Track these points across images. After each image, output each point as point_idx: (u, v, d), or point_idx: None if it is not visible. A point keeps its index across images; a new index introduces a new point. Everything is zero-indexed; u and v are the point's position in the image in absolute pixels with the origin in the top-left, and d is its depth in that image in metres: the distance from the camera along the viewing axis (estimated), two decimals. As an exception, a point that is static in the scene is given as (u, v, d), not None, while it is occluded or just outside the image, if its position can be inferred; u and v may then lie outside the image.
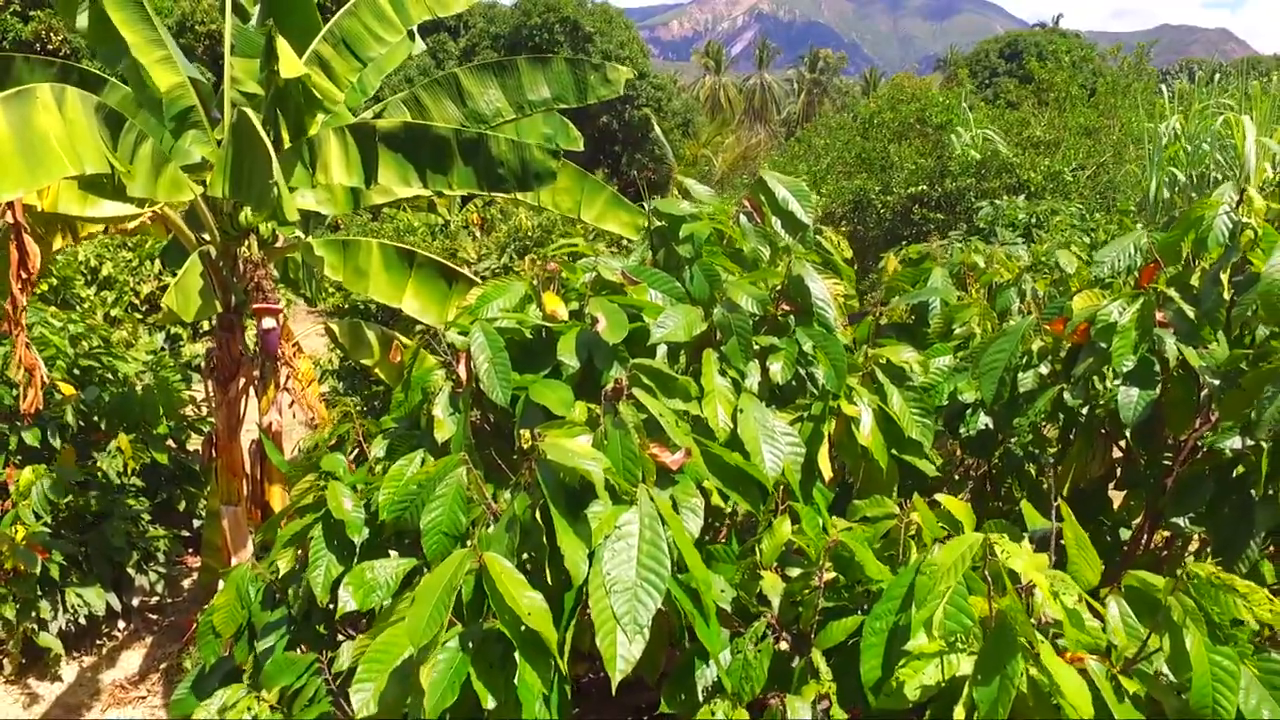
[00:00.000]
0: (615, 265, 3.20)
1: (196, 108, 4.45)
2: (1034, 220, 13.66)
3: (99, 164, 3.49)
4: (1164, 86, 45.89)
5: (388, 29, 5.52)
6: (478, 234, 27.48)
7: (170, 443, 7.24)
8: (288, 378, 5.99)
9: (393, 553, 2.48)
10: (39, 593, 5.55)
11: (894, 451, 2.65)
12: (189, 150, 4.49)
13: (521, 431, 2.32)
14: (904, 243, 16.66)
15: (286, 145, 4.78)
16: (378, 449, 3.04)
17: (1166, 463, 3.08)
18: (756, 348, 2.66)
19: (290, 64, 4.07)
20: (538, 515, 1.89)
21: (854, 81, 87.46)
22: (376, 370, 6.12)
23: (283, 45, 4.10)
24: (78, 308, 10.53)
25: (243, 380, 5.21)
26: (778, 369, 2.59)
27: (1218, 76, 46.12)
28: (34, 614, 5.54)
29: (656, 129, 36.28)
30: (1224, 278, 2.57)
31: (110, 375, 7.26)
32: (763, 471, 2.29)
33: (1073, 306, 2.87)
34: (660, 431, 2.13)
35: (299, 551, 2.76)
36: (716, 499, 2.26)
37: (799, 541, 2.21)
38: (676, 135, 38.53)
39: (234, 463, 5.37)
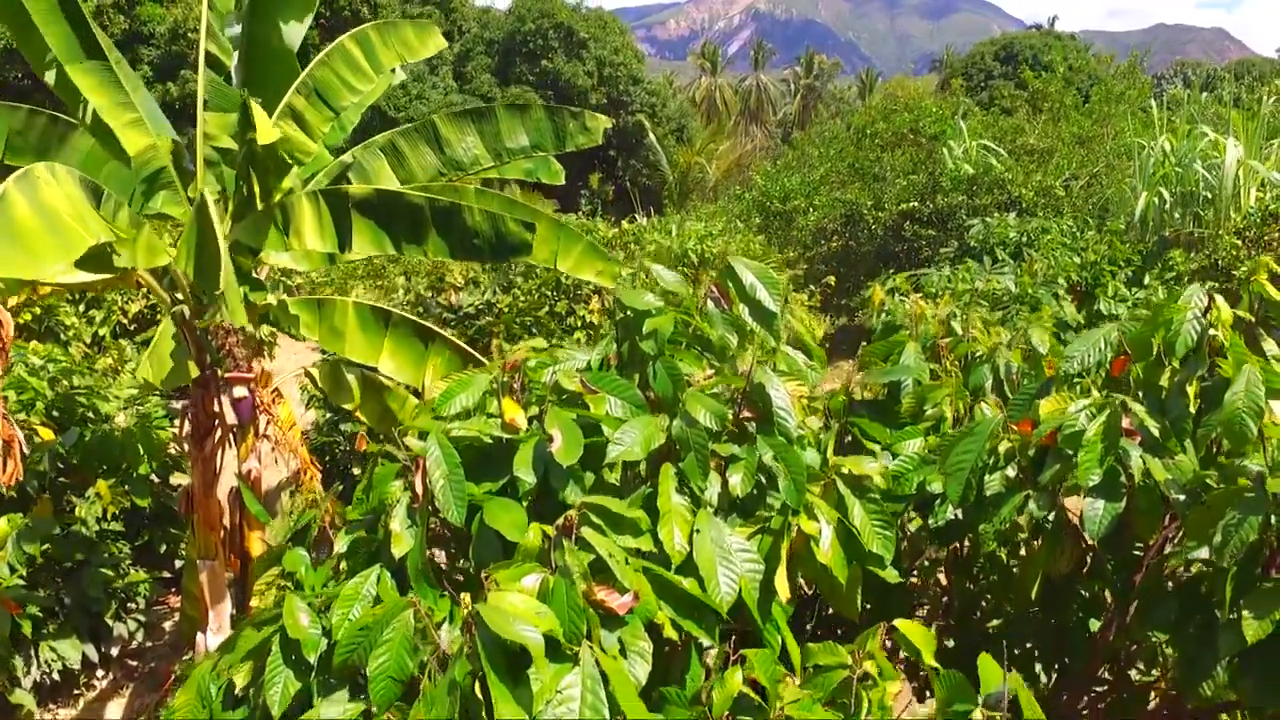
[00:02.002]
0: (580, 358, 3.17)
1: (167, 169, 4.41)
2: (1025, 239, 13.65)
3: (105, 234, 3.49)
4: (1159, 91, 46.04)
5: (360, 78, 5.48)
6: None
7: (154, 477, 7.19)
8: (267, 424, 5.95)
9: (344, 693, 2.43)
10: (11, 649, 5.49)
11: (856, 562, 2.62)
12: (161, 212, 4.45)
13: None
14: (896, 257, 16.66)
15: (259, 206, 4.74)
16: (340, 544, 3.01)
17: (1137, 553, 3.07)
18: (717, 456, 2.63)
19: (266, 130, 4.04)
20: (477, 686, 1.86)
21: (850, 82, 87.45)
22: (357, 413, 6.08)
23: (258, 111, 4.06)
24: (62, 335, 10.44)
25: (219, 434, 5.17)
26: (737, 481, 2.56)
27: (1211, 82, 46.22)
28: (6, 670, 5.49)
29: (651, 136, 36.23)
30: (1190, 391, 2.54)
31: (92, 414, 7.21)
32: (716, 600, 2.26)
33: (1040, 408, 2.84)
34: (610, 571, 2.10)
35: (256, 663, 2.72)
36: (669, 631, 2.23)
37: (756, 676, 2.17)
38: (671, 141, 38.49)
39: (210, 517, 5.33)
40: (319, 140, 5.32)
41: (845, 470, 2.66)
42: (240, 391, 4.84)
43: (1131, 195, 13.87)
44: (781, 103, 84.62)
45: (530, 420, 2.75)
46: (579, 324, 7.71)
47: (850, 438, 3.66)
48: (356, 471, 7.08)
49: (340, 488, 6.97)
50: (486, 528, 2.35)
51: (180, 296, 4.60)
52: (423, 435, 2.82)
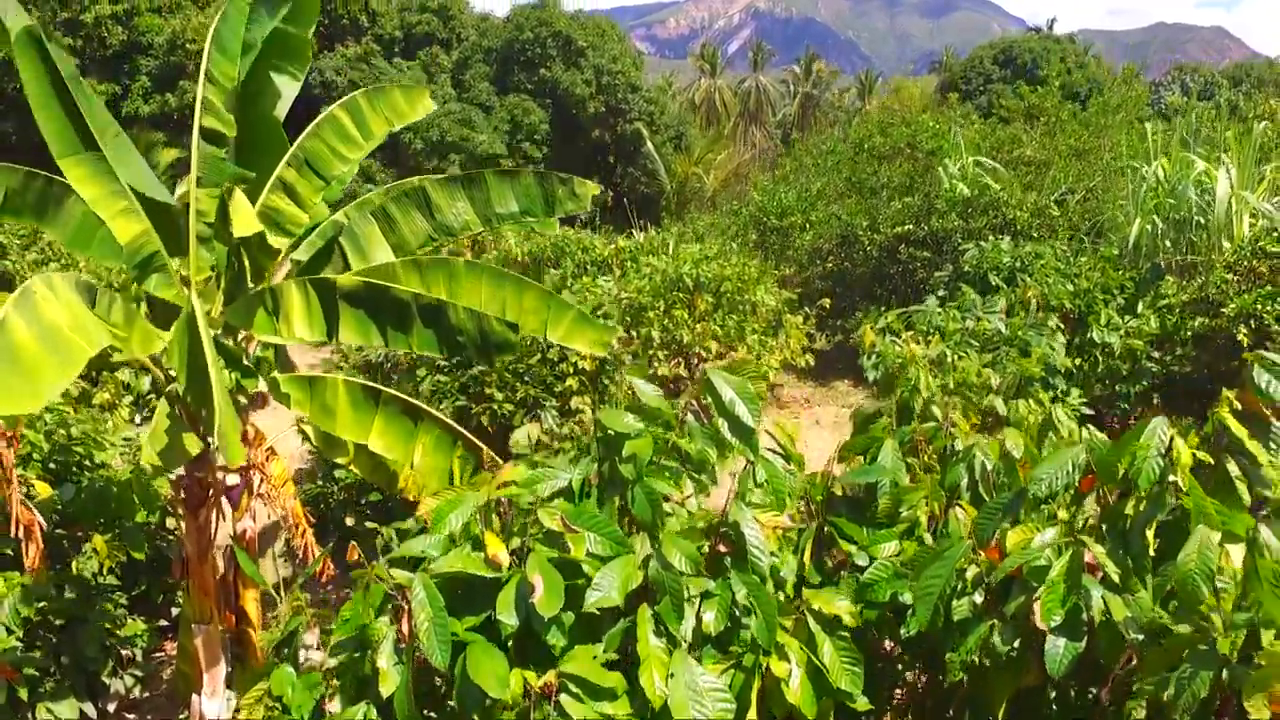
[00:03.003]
0: (563, 476, 3.24)
1: (160, 253, 4.48)
2: (1019, 264, 13.69)
3: (105, 339, 3.57)
4: (1157, 99, 45.91)
5: (351, 147, 5.56)
6: (468, 255, 27.48)
7: (151, 520, 7.25)
8: (261, 482, 6.03)
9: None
10: (10, 713, 5.57)
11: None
12: (152, 294, 4.53)
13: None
14: (891, 278, 16.72)
15: (250, 284, 4.81)
16: (329, 660, 3.09)
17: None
18: (691, 592, 2.70)
19: (244, 223, 4.10)
20: None
21: (849, 83, 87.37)
22: (351, 466, 6.16)
23: (236, 204, 4.13)
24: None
25: (212, 502, 5.25)
26: (711, 619, 2.63)
27: (1209, 89, 46.09)
28: (3, 732, 5.56)
29: (649, 145, 36.27)
30: (1149, 534, 2.61)
31: (89, 461, 7.29)
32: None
33: (1007, 538, 2.91)
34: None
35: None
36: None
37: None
38: (669, 149, 38.52)
39: (205, 583, 5.41)
40: (310, 210, 5.40)
41: (816, 607, 2.73)
42: (233, 479, 4.92)
43: (1125, 220, 13.93)
44: (781, 104, 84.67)
45: (513, 552, 2.83)
46: (571, 370, 7.79)
47: (828, 535, 3.74)
48: (350, 521, 7.15)
49: (332, 547, 7.05)
50: (469, 680, 2.43)
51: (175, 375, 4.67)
52: (411, 563, 2.90)
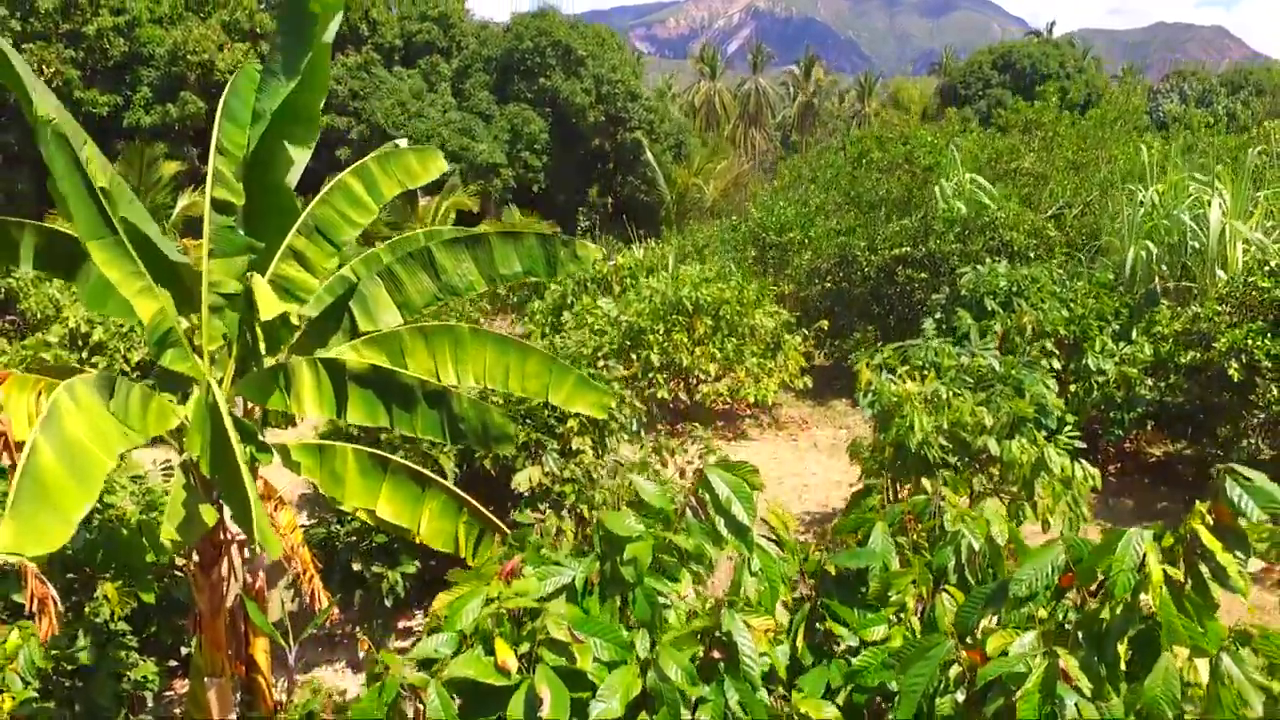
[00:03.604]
0: (567, 573, 3.39)
1: (175, 328, 4.64)
2: (1014, 288, 13.83)
3: (123, 443, 3.74)
4: (1156, 107, 45.96)
5: (361, 212, 5.71)
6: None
7: (161, 559, 7.39)
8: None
9: None
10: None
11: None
12: (170, 369, 4.68)
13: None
14: (889, 299, 16.85)
15: (264, 353, 4.96)
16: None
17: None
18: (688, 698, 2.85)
19: (268, 307, 4.26)
20: None
21: (850, 85, 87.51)
22: (357, 511, 6.31)
23: (260, 288, 4.28)
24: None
25: (225, 563, 5.39)
26: (707, 727, 2.78)
27: (1207, 96, 46.12)
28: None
29: (648, 154, 36.41)
30: (1121, 649, 2.76)
31: (98, 504, 7.43)
32: None
33: (988, 643, 3.06)
34: None
35: None
36: None
37: None
38: (668, 158, 38.68)
39: (218, 638, 5.55)
40: (320, 276, 5.54)
41: (804, 711, 2.88)
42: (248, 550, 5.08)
43: (1121, 245, 14.08)
44: (781, 106, 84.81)
45: (521, 656, 2.98)
46: (572, 412, 7.93)
47: (820, 615, 3.89)
48: (356, 567, 7.30)
49: (339, 599, 7.19)
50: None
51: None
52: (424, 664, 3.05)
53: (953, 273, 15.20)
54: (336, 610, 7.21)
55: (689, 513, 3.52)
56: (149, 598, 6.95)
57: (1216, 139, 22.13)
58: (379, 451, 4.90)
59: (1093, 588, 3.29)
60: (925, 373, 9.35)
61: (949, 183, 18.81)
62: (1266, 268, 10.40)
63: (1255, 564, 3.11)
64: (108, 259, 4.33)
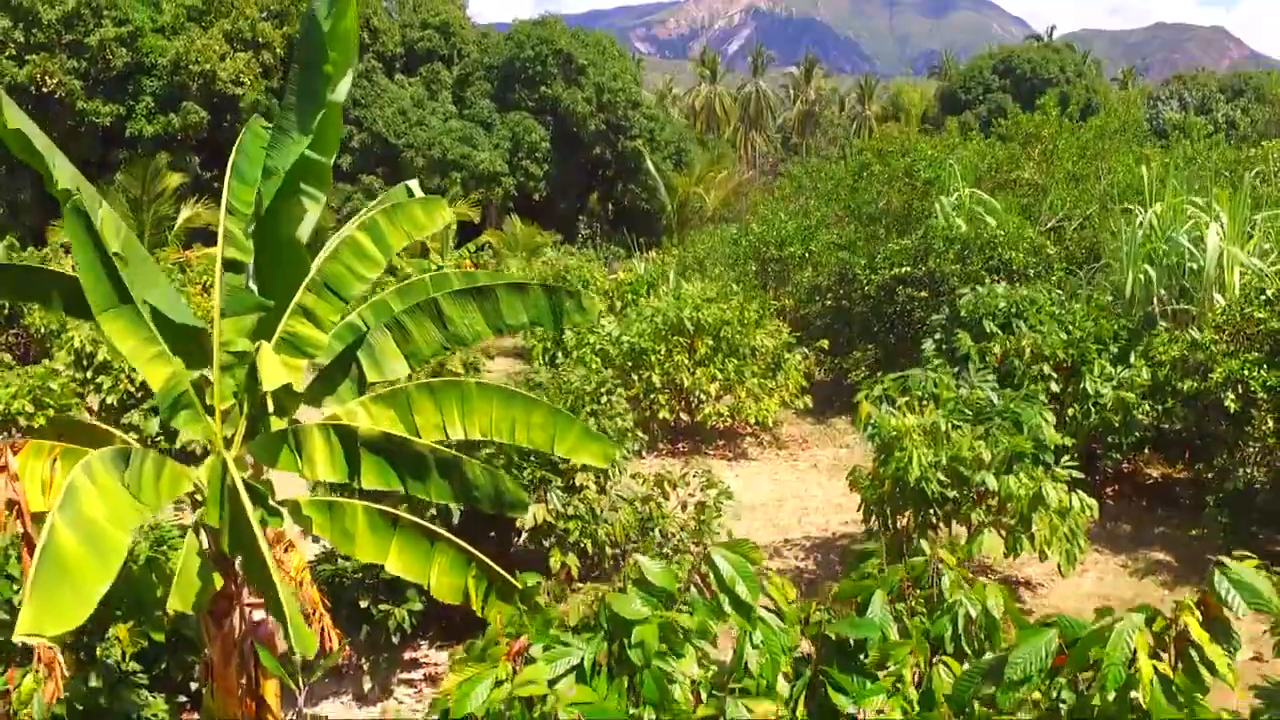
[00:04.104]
0: (576, 653, 3.48)
1: (188, 392, 4.73)
2: (1014, 309, 13.89)
3: (139, 519, 3.84)
4: (1155, 116, 46.04)
5: (369, 266, 5.80)
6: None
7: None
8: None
9: None
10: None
11: None
12: (183, 429, 4.78)
13: None
14: (889, 317, 16.93)
15: (272, 414, 5.05)
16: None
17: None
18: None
19: (272, 376, 4.36)
20: None
21: (850, 87, 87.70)
22: (357, 555, 6.39)
23: (264, 359, 4.37)
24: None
25: (237, 614, 5.48)
26: (712, 817, 2.87)
27: (1207, 103, 46.16)
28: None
29: (649, 163, 36.51)
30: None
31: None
32: None
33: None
34: None
35: None
36: None
37: None
38: (669, 166, 38.78)
39: (230, 685, 5.64)
40: (329, 330, 5.63)
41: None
42: (260, 614, 5.17)
43: (1119, 267, 14.16)
44: (781, 109, 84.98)
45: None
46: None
47: (821, 681, 3.99)
48: (363, 604, 7.39)
49: (349, 642, 7.27)
50: None
51: (200, 503, 4.91)
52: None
53: (953, 292, 15.29)
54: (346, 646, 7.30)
55: (694, 591, 3.62)
56: (159, 636, 7.04)
57: (1215, 153, 22.24)
58: (389, 509, 4.99)
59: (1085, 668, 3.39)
60: (925, 403, 9.45)
61: (950, 198, 18.92)
62: (1263, 296, 10.48)
63: (1245, 653, 3.21)
64: (120, 329, 4.43)
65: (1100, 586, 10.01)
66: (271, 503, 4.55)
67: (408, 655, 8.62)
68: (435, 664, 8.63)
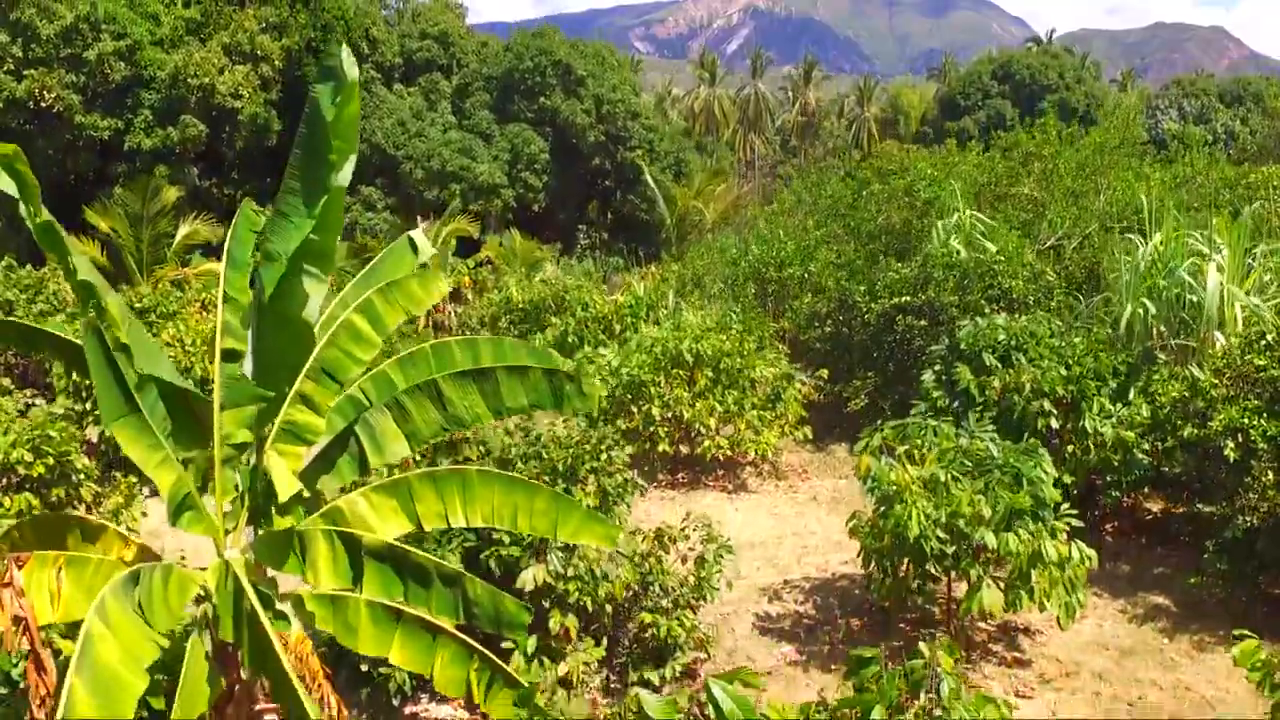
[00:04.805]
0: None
1: (191, 494, 4.74)
2: (1013, 342, 13.87)
3: (153, 653, 3.88)
4: (1155, 125, 45.93)
5: (365, 348, 5.81)
6: (469, 296, 27.70)
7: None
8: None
9: None
10: None
11: None
12: (186, 530, 4.78)
13: None
14: (888, 345, 16.92)
15: (274, 511, 5.06)
16: None
17: None
18: None
19: (285, 488, 4.37)
20: None
21: (849, 87, 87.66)
22: (360, 648, 6.35)
23: (276, 470, 4.38)
24: (73, 476, 10.67)
25: (239, 699, 5.49)
26: None
27: (1206, 113, 46.10)
28: None
29: (648, 177, 36.51)
30: None
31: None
32: None
33: None
34: None
35: None
36: None
37: None
38: (668, 177, 38.75)
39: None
40: (326, 415, 5.64)
41: None
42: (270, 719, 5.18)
43: (1117, 300, 14.17)
44: (780, 111, 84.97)
45: None
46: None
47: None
48: (364, 668, 7.39)
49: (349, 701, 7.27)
50: None
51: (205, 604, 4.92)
52: None
53: (953, 322, 15.30)
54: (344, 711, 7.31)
55: (695, 726, 3.63)
56: (158, 703, 7.05)
57: (1215, 171, 22.22)
58: (391, 603, 4.99)
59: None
60: (924, 452, 9.45)
61: (949, 220, 18.91)
62: (1264, 341, 10.48)
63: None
64: (129, 438, 4.45)
65: (1099, 634, 10.02)
66: (279, 606, 4.55)
67: (408, 710, 8.63)
68: (436, 719, 8.64)
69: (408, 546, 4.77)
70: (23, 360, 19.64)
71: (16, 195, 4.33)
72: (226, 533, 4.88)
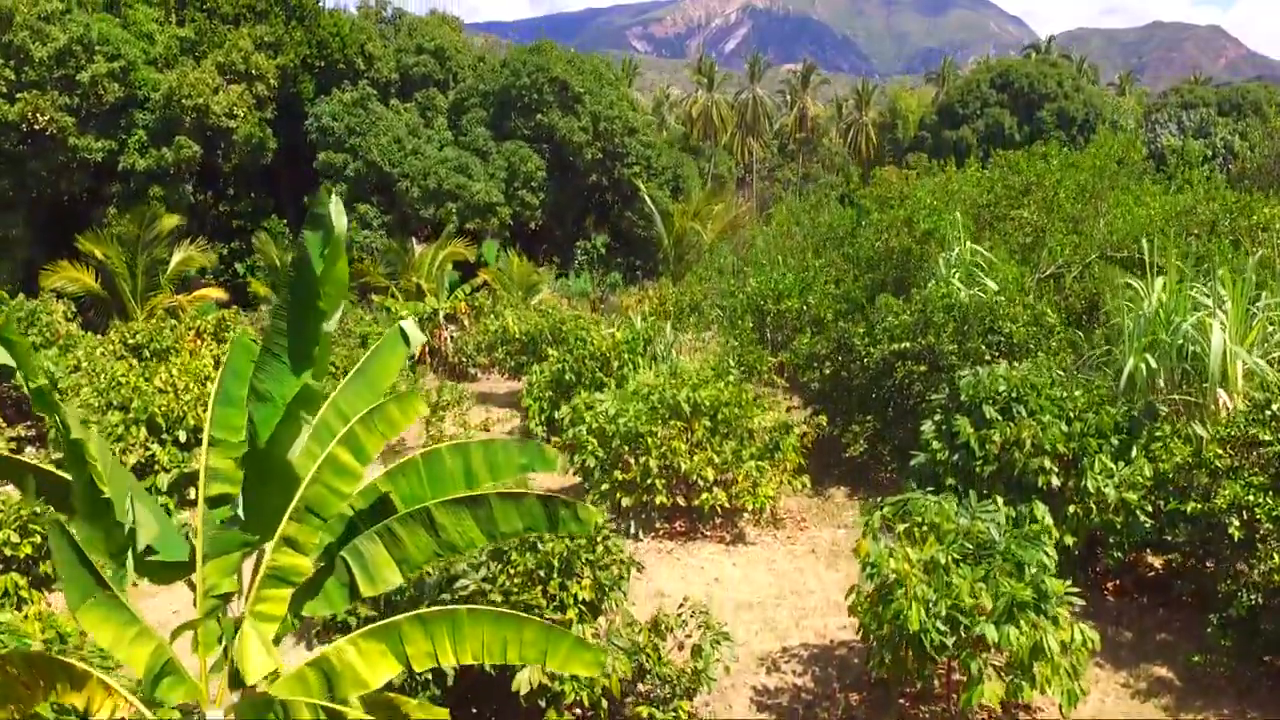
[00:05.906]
0: None
1: (170, 660, 4.60)
2: (1014, 393, 13.71)
3: None
4: (1154, 139, 45.82)
5: (348, 481, 5.69)
6: (466, 322, 27.54)
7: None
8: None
9: None
10: None
11: None
12: (165, 700, 4.64)
13: None
14: (888, 389, 16.78)
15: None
16: None
17: None
18: None
19: (256, 668, 4.23)
20: None
21: (848, 89, 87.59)
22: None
23: (248, 647, 4.24)
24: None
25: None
26: None
27: (1205, 127, 46.02)
28: None
29: (645, 196, 36.39)
30: None
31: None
32: None
33: None
34: None
35: None
36: None
37: None
38: (665, 194, 38.62)
39: None
40: (311, 553, 5.51)
41: None
42: None
43: (1120, 353, 14.04)
44: (778, 115, 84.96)
45: None
46: (572, 600, 7.90)
47: None
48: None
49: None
50: None
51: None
52: None
53: (952, 369, 15.16)
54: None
55: None
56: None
57: (1216, 203, 22.04)
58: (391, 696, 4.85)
59: None
60: (925, 531, 9.32)
61: (949, 253, 18.78)
62: (1268, 411, 10.35)
63: None
64: (96, 620, 4.33)
65: (1101, 710, 9.89)
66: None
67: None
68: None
69: (392, 694, 4.62)
70: (15, 391, 19.49)
71: (15, 366, 4.28)
72: (210, 696, 4.75)
